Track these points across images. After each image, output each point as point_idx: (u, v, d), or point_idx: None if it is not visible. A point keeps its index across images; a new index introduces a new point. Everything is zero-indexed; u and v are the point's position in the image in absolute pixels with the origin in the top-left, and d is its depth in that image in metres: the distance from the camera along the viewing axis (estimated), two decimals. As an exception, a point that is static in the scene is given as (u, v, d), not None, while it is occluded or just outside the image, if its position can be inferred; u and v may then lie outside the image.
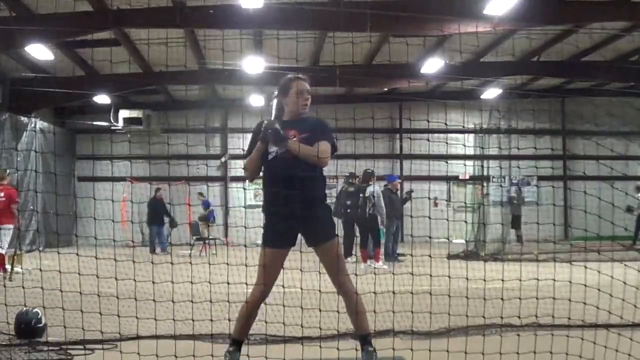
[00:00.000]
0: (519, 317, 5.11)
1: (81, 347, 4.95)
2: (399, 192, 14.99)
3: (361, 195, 12.67)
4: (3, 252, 10.56)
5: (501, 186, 19.16)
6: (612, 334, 4.58)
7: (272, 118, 4.34)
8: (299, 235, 4.25)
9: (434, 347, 4.46)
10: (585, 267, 4.73)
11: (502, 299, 4.85)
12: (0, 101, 16.30)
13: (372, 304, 4.68)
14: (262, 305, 4.25)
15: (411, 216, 5.28)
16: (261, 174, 4.36)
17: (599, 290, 4.87)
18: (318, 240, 4.20)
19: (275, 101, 4.45)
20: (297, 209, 4.07)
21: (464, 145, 16.68)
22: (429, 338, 5.05)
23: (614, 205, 5.27)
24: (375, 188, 12.75)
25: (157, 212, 17.87)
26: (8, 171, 11.62)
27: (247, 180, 4.42)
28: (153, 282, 5.02)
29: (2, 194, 10.69)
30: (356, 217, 12.78)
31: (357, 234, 13.01)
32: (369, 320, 4.28)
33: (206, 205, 18.36)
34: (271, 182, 4.25)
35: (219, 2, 12.04)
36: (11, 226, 10.87)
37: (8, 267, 10.35)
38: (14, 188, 11.05)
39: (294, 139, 4.19)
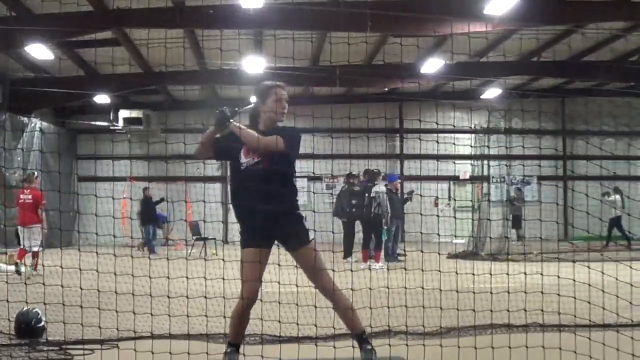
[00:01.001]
0: (524, 311, 5.12)
1: (81, 347, 4.97)
2: (399, 192, 15.01)
3: (366, 195, 12.69)
4: (36, 249, 11.25)
5: (503, 183, 19.17)
6: (611, 333, 4.60)
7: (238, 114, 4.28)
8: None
9: (439, 347, 4.47)
10: (589, 267, 4.74)
11: (508, 292, 4.86)
12: (0, 101, 16.32)
13: (368, 302, 4.69)
14: (258, 303, 4.25)
15: (406, 214, 5.28)
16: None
17: (603, 291, 4.88)
18: (291, 246, 4.19)
19: (251, 106, 4.40)
20: (266, 221, 4.04)
21: (470, 146, 16.68)
22: (423, 337, 5.07)
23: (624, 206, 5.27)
24: (381, 188, 12.77)
25: (151, 211, 17.79)
26: (36, 174, 12.39)
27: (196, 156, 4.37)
28: (151, 279, 5.04)
29: (30, 196, 11.55)
30: (361, 217, 12.79)
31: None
32: (360, 318, 4.26)
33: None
34: (240, 193, 4.23)
35: (219, 2, 12.05)
36: (38, 225, 11.51)
37: (22, 265, 10.87)
38: (40, 191, 11.83)
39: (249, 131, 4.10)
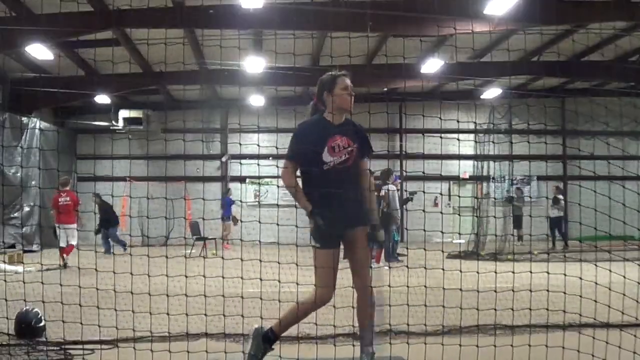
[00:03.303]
0: (529, 310, 5.11)
1: (80, 346, 4.96)
2: (398, 191, 14.99)
3: (375, 194, 12.65)
4: (74, 243, 12.48)
5: (503, 182, 19.16)
6: (615, 332, 4.59)
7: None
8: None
9: (440, 346, 4.46)
10: (596, 266, 4.74)
11: (513, 290, 4.84)
12: (0, 101, 16.32)
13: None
14: (258, 302, 4.25)
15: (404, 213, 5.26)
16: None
17: (609, 289, 4.87)
18: (357, 222, 4.15)
19: (310, 105, 4.38)
20: (349, 213, 4.07)
21: (475, 141, 16.67)
22: (424, 337, 5.06)
23: (625, 205, 5.27)
24: (391, 187, 12.73)
25: (110, 214, 17.45)
26: (69, 179, 13.64)
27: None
28: (150, 279, 5.03)
29: (68, 198, 12.85)
30: None
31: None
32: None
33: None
34: (327, 188, 4.06)
35: (219, 2, 12.04)
36: (75, 225, 12.80)
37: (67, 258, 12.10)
38: (76, 193, 13.28)
39: (350, 149, 4.14)
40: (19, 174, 16.34)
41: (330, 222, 4.01)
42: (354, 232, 4.13)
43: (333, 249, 4.10)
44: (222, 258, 4.86)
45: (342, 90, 4.17)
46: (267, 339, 4.11)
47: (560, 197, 17.79)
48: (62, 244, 12.54)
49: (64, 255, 12.15)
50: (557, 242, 17.77)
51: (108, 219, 17.05)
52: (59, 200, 12.94)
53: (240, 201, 20.36)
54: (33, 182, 17.19)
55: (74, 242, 12.53)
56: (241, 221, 19.25)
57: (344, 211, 4.05)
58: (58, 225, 12.84)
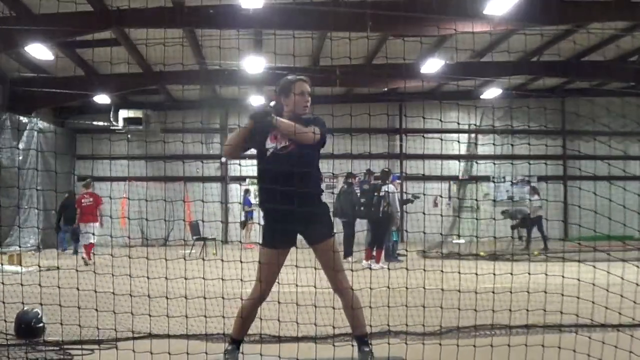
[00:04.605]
0: (527, 311, 5.10)
1: (80, 347, 4.95)
2: (398, 192, 14.99)
3: (375, 194, 12.68)
4: (93, 241, 13.46)
5: (503, 182, 19.17)
6: (612, 332, 4.58)
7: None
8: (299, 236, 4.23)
9: (438, 346, 4.46)
10: (594, 267, 4.73)
11: (510, 291, 4.83)
12: (1, 101, 16.31)
13: (368, 302, 4.67)
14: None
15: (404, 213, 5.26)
16: (255, 171, 4.30)
17: (607, 290, 4.87)
18: (316, 239, 4.16)
19: (272, 102, 4.40)
20: (294, 206, 3.99)
21: (475, 143, 16.66)
22: (423, 337, 5.05)
23: (624, 207, 5.26)
24: (391, 187, 12.75)
25: (73, 211, 17.51)
26: (92, 181, 14.65)
27: (223, 156, 4.41)
28: (150, 280, 5.02)
29: (91, 199, 13.88)
30: (370, 216, 12.78)
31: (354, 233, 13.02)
32: (366, 320, 4.26)
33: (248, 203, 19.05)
34: (268, 179, 4.17)
35: (219, 2, 12.03)
36: (97, 224, 13.79)
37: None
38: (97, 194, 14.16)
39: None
40: (16, 174, 16.34)
41: (273, 219, 4.15)
42: (315, 247, 4.16)
43: (274, 249, 4.13)
44: (222, 260, 4.85)
45: (298, 96, 4.24)
46: (236, 342, 4.23)
47: (536, 197, 17.62)
48: (85, 242, 13.67)
49: (86, 254, 13.17)
50: (536, 242, 17.31)
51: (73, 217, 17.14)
52: (82, 201, 13.98)
53: (239, 202, 20.36)
54: (32, 182, 17.18)
55: (92, 240, 13.47)
56: (240, 222, 19.37)
57: (294, 221, 4.05)
58: (80, 224, 14.01)
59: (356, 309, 4.13)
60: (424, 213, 4.93)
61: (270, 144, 4.17)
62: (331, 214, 4.33)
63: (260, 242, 4.21)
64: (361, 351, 4.14)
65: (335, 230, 4.26)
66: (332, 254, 4.11)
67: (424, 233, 5.07)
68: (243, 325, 4.22)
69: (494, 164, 17.06)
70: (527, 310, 5.15)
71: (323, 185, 4.45)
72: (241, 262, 4.50)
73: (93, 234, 13.42)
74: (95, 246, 13.65)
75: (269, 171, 4.16)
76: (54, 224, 17.53)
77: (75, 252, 16.25)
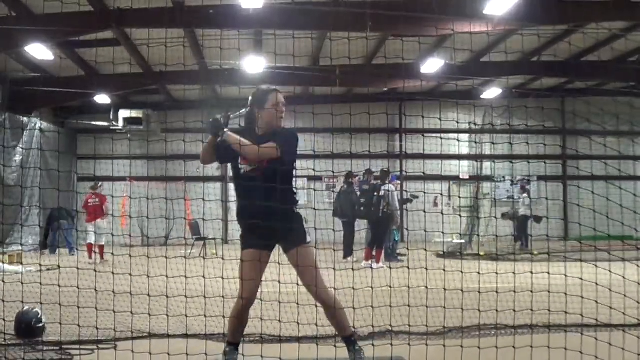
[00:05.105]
0: (531, 311, 5.10)
1: (79, 347, 4.96)
2: (398, 192, 15.00)
3: (375, 194, 12.69)
4: (102, 243, 13.95)
5: (503, 182, 19.16)
6: (618, 333, 4.57)
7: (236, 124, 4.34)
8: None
9: (441, 347, 4.45)
10: (596, 266, 4.73)
11: (514, 291, 4.83)
12: (0, 101, 16.31)
13: (370, 302, 4.68)
14: (258, 303, 4.24)
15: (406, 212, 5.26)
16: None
17: (610, 290, 4.87)
18: (287, 247, 4.18)
19: (245, 110, 4.41)
20: (265, 222, 4.03)
21: (475, 142, 16.65)
22: (425, 337, 5.05)
23: (622, 206, 5.26)
24: (390, 187, 12.75)
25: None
26: (101, 183, 15.13)
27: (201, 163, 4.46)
28: (150, 279, 5.02)
29: (97, 200, 14.39)
30: (370, 216, 12.78)
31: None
32: (349, 319, 4.27)
33: None
34: (240, 196, 4.25)
35: (219, 2, 12.04)
36: (105, 222, 14.29)
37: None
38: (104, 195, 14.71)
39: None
40: (15, 174, 16.36)
41: (248, 228, 4.17)
42: (289, 254, 4.17)
43: (254, 249, 4.12)
44: (222, 259, 4.85)
45: (272, 107, 4.23)
46: (234, 344, 4.22)
47: (525, 195, 17.58)
48: (90, 240, 13.95)
49: (95, 254, 13.50)
50: (524, 242, 17.05)
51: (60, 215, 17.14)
52: (89, 201, 14.41)
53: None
54: (33, 182, 17.19)
55: (102, 241, 13.92)
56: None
57: (268, 232, 4.06)
58: (88, 224, 14.32)
59: (339, 311, 4.14)
60: (424, 211, 4.93)
61: (241, 164, 4.22)
62: (304, 223, 4.30)
63: (241, 247, 4.23)
64: (352, 351, 4.16)
65: (309, 240, 4.22)
66: (306, 256, 4.10)
67: (425, 232, 5.08)
68: (237, 329, 4.22)
69: (493, 162, 17.06)
70: (531, 310, 5.14)
71: (302, 196, 4.45)
72: (241, 261, 4.50)
73: (103, 234, 13.86)
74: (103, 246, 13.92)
75: (242, 188, 4.22)
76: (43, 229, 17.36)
77: (71, 250, 16.28)
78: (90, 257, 13.47)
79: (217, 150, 4.32)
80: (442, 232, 5.28)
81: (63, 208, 17.52)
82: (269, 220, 4.04)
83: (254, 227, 4.12)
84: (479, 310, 5.04)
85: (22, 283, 5.24)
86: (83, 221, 15.69)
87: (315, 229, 4.70)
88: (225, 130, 4.14)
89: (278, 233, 4.12)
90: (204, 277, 5.08)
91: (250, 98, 4.41)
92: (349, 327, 4.23)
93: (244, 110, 4.44)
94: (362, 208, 13.03)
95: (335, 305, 4.12)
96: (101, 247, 13.91)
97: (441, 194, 20.53)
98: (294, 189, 4.30)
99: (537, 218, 17.01)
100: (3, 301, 5.12)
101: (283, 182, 4.13)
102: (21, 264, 12.03)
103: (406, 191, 17.72)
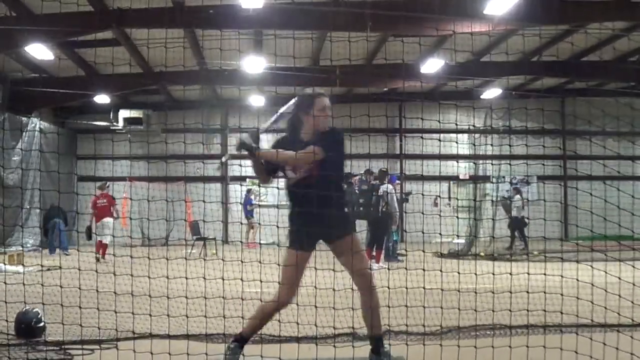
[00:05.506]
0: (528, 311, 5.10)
1: (80, 347, 4.96)
2: (397, 192, 15.01)
3: (374, 194, 12.68)
4: (106, 241, 14.19)
5: (503, 182, 19.13)
6: (612, 333, 4.58)
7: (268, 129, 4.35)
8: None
9: (439, 347, 4.46)
10: (592, 267, 4.74)
11: (510, 291, 4.83)
12: (0, 101, 16.32)
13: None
14: (258, 303, 4.24)
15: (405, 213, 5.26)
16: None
17: (605, 291, 4.87)
18: (333, 236, 4.18)
19: (275, 117, 4.39)
20: (317, 225, 4.07)
21: (473, 144, 16.63)
22: (423, 337, 5.06)
23: (619, 208, 5.27)
24: (389, 187, 12.75)
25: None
26: (108, 184, 15.56)
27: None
28: (151, 279, 5.03)
29: (105, 200, 14.84)
30: (369, 216, 12.78)
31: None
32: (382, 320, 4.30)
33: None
34: (293, 202, 4.28)
35: (219, 2, 12.04)
36: (111, 219, 14.77)
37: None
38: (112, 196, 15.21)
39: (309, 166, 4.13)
40: (15, 175, 16.38)
41: (299, 227, 4.16)
42: (340, 243, 4.18)
43: (299, 251, 4.13)
44: (222, 260, 4.86)
45: (318, 112, 4.20)
46: (242, 341, 4.20)
47: (518, 196, 17.54)
48: (99, 238, 14.29)
49: (100, 253, 13.76)
50: (518, 242, 17.19)
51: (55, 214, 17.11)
52: (98, 202, 14.79)
53: (240, 203, 20.37)
54: (33, 183, 17.20)
55: (105, 237, 14.20)
56: (241, 223, 19.38)
57: (316, 224, 4.09)
58: (96, 223, 14.61)
59: (375, 309, 4.14)
60: (422, 213, 4.94)
61: (291, 174, 4.23)
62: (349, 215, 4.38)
63: (289, 245, 4.20)
64: (378, 352, 4.17)
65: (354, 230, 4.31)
66: (350, 250, 4.12)
67: (423, 233, 5.07)
68: (259, 326, 4.23)
69: (492, 163, 17.05)
70: (527, 310, 5.15)
71: None
72: (242, 262, 4.51)
73: (111, 235, 14.14)
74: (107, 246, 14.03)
75: (294, 194, 4.26)
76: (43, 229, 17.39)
77: (65, 249, 16.26)
78: (103, 257, 13.69)
79: (265, 166, 4.32)
80: (440, 234, 5.26)
81: (57, 207, 17.43)
82: (323, 223, 4.06)
83: (303, 230, 4.13)
84: (475, 310, 5.05)
85: (24, 284, 5.24)
86: (83, 221, 15.76)
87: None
88: (257, 147, 4.13)
89: (329, 231, 4.15)
90: (204, 278, 5.09)
91: (295, 103, 4.36)
92: (381, 328, 4.25)
93: (274, 117, 4.40)
94: (361, 208, 13.03)
95: (373, 300, 4.12)
96: (105, 246, 14.05)
97: (439, 196, 20.49)
98: (342, 192, 4.41)
99: (522, 221, 16.89)
100: (5, 302, 5.13)
101: (333, 188, 4.16)
102: (22, 264, 12.02)
103: (403, 193, 17.72)
